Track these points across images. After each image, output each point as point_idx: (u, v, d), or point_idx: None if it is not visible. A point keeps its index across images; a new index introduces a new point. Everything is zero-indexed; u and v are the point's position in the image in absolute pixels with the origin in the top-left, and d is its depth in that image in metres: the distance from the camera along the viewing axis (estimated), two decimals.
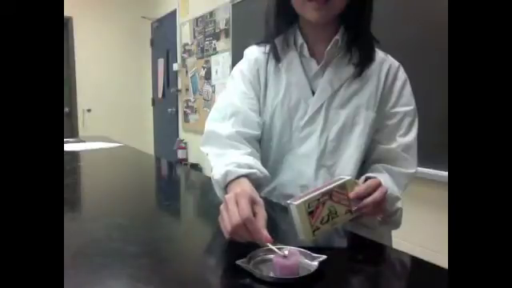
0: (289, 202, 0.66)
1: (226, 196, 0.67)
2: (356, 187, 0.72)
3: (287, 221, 0.67)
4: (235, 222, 0.61)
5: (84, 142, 2.36)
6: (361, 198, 0.71)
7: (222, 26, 3.66)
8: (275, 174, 0.91)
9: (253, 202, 0.65)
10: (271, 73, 0.91)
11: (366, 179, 0.78)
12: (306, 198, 0.66)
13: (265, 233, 0.61)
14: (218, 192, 0.79)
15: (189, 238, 0.80)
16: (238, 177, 0.73)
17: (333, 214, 0.68)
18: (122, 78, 5.06)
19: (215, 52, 3.80)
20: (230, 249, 0.67)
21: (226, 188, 0.74)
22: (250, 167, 0.75)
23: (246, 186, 0.71)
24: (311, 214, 0.66)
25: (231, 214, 0.63)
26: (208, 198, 1.01)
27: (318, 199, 0.67)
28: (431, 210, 1.89)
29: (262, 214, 0.64)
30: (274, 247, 0.60)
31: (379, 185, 0.74)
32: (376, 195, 0.72)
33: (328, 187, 0.69)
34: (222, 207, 0.67)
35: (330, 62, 0.88)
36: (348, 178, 0.72)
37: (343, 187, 0.70)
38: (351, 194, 0.71)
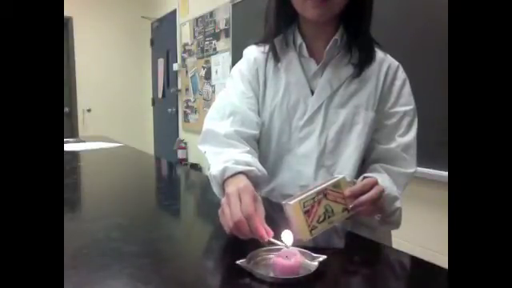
0: (284, 202, 0.66)
1: (228, 191, 0.67)
2: (352, 185, 0.73)
3: (286, 221, 0.67)
4: (237, 218, 0.62)
5: (84, 141, 2.36)
6: (356, 196, 0.71)
7: (222, 25, 3.66)
8: (274, 174, 0.91)
9: (254, 198, 0.65)
10: (270, 72, 0.91)
11: (364, 179, 0.78)
12: (301, 198, 0.66)
13: (265, 228, 0.62)
14: (215, 188, 0.78)
15: (189, 237, 0.80)
16: (236, 174, 0.72)
17: (329, 213, 0.68)
18: (122, 77, 5.06)
19: (215, 52, 3.81)
20: (230, 249, 0.67)
21: (223, 185, 0.74)
22: (248, 164, 0.75)
23: (245, 182, 0.70)
24: (307, 213, 0.66)
25: (233, 210, 0.63)
26: (208, 198, 1.01)
27: (313, 198, 0.67)
28: (431, 210, 1.89)
29: (261, 211, 0.65)
30: (275, 240, 0.60)
31: (375, 183, 0.74)
32: (372, 193, 0.72)
33: (322, 186, 0.69)
34: (223, 201, 0.67)
35: (329, 62, 0.88)
36: (341, 176, 0.72)
37: (337, 185, 0.70)
38: (346, 192, 0.71)
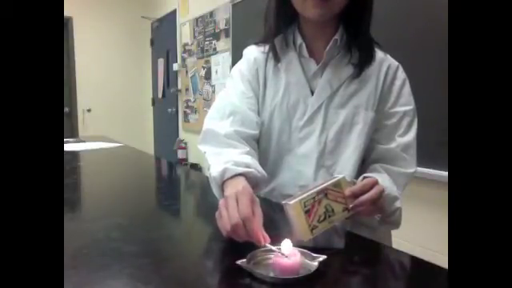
0: (284, 202, 0.66)
1: (227, 193, 0.67)
2: (352, 185, 0.73)
3: (287, 221, 0.67)
4: (234, 222, 0.61)
5: (84, 141, 2.36)
6: (357, 195, 0.71)
7: (222, 25, 3.66)
8: (274, 174, 0.91)
9: (252, 201, 0.65)
10: (270, 72, 0.91)
11: (364, 179, 0.78)
12: (301, 197, 0.66)
13: (262, 233, 0.61)
14: (215, 189, 0.78)
15: (189, 238, 0.80)
16: (236, 175, 0.72)
17: (329, 212, 0.68)
18: (122, 77, 5.06)
19: (215, 52, 3.81)
20: (230, 249, 0.67)
21: (222, 186, 0.74)
22: (248, 166, 0.75)
23: (244, 184, 0.70)
24: (308, 212, 0.66)
25: (231, 212, 0.63)
26: (208, 198, 1.01)
27: (314, 198, 0.67)
28: (431, 210, 1.89)
29: (258, 214, 0.64)
30: (272, 246, 0.60)
31: (375, 183, 0.74)
32: (372, 193, 0.72)
33: (322, 185, 0.69)
34: (220, 204, 0.67)
35: (329, 62, 0.88)
36: (341, 175, 0.72)
37: (337, 185, 0.70)
38: (347, 192, 0.71)
